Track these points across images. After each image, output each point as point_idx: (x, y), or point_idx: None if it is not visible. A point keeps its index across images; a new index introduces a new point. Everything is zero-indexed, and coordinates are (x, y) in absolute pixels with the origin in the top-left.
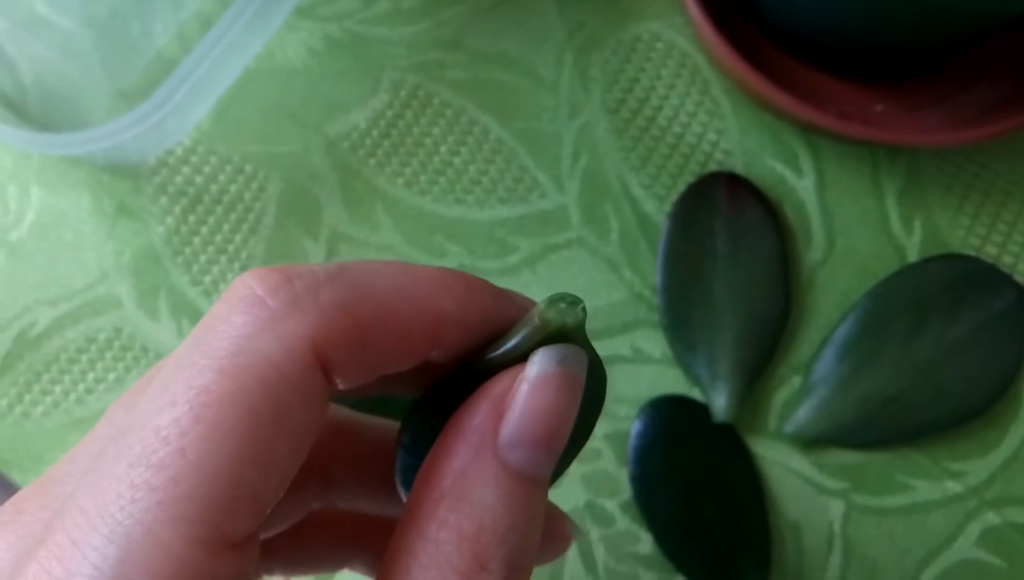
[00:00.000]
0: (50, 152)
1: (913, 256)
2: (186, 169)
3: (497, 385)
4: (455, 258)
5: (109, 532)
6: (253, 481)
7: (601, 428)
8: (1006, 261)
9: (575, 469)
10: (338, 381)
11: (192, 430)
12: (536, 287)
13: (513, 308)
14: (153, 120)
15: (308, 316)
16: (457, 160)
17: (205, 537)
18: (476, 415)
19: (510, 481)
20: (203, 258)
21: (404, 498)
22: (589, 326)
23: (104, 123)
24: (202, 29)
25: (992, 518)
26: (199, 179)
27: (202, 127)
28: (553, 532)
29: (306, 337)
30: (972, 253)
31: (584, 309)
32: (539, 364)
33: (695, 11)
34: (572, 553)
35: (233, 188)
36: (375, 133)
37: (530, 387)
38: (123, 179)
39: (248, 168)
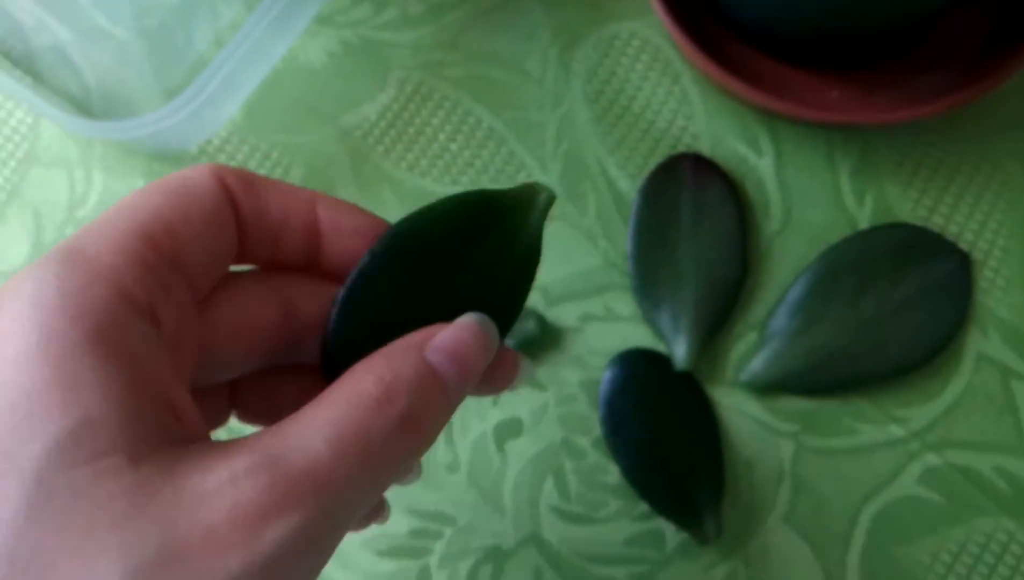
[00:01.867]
0: (104, 136)
1: (864, 225)
2: (222, 156)
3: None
4: None
5: None
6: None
7: (576, 376)
8: (952, 230)
9: (553, 410)
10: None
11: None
12: None
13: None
14: (190, 109)
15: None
16: (454, 146)
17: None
18: (421, 333)
19: (427, 368)
20: None
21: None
22: (568, 289)
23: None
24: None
25: (932, 459)
26: (233, 165)
27: (235, 120)
28: (505, 362)
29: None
30: (920, 224)
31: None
32: (471, 316)
33: (662, 13)
34: (548, 482)
35: (261, 172)
36: (383, 124)
37: (459, 325)
38: (170, 165)
39: (275, 155)
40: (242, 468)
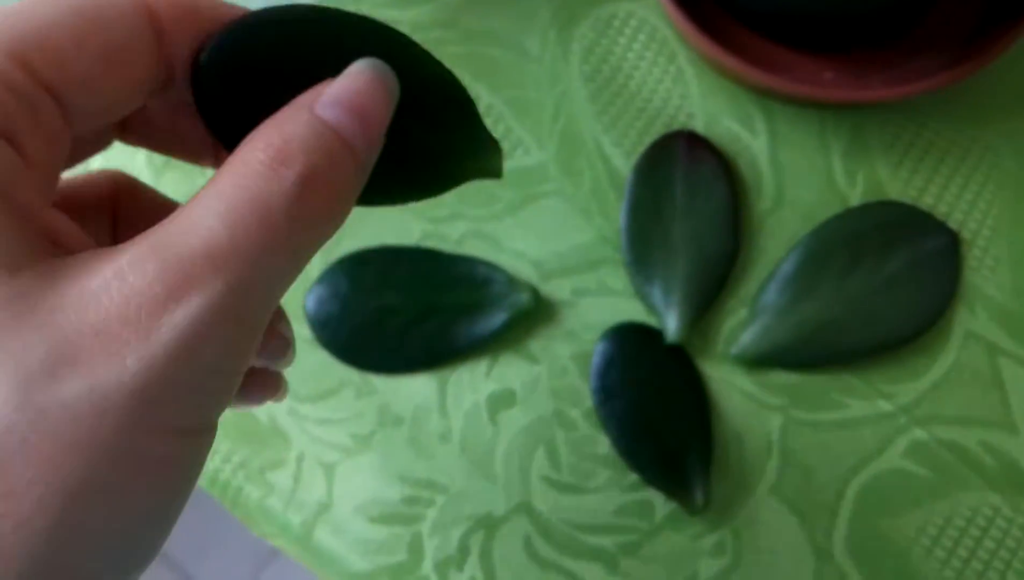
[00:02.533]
0: None
1: (855, 204)
2: None
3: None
4: (449, 206)
5: None
6: None
7: (568, 349)
8: (942, 209)
9: (546, 382)
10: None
11: None
12: (517, 230)
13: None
14: None
15: None
16: None
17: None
18: (308, 93)
19: (321, 124)
20: None
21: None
22: (561, 263)
23: None
24: None
25: (919, 434)
26: None
27: None
28: (266, 381)
29: None
30: (910, 202)
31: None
32: (361, 63)
33: None
34: (540, 452)
35: None
36: None
37: (350, 73)
38: None
39: None
40: (127, 261)
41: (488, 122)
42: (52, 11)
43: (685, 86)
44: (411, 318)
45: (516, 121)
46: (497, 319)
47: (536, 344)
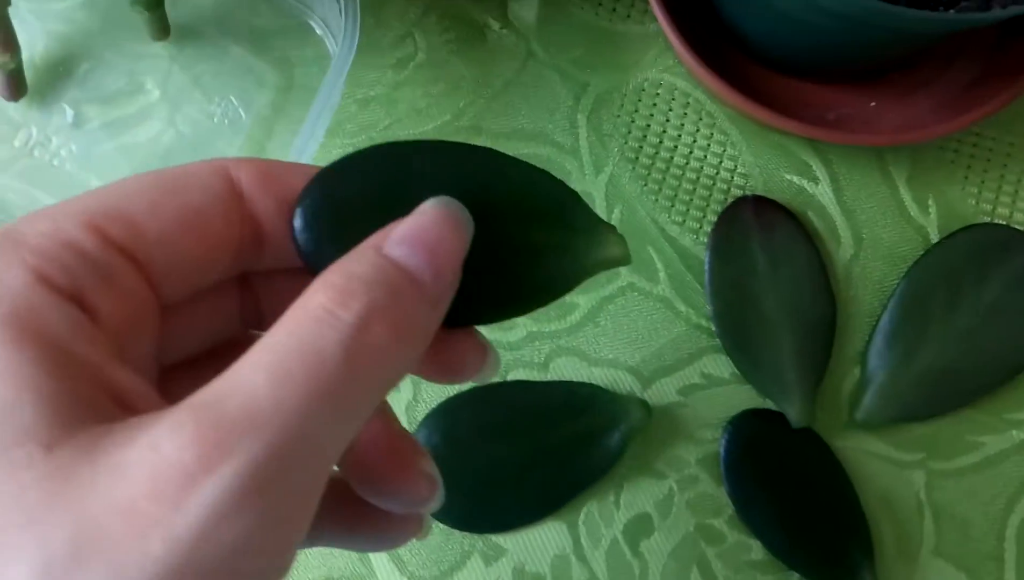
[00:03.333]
0: None
1: (934, 233)
2: None
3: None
4: (524, 328)
5: None
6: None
7: (692, 454)
8: (1018, 219)
9: (679, 496)
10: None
11: None
12: (603, 338)
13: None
14: None
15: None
16: None
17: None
18: (378, 234)
19: (386, 262)
20: None
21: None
22: (659, 364)
23: None
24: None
25: None
26: None
27: None
28: (468, 348)
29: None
30: (986, 219)
31: None
32: (429, 202)
33: (685, 56)
34: (693, 574)
35: None
36: None
37: (418, 212)
38: None
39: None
40: (165, 427)
41: None
42: (133, 183)
43: (732, 147)
44: (523, 464)
45: None
46: (612, 442)
47: (658, 457)
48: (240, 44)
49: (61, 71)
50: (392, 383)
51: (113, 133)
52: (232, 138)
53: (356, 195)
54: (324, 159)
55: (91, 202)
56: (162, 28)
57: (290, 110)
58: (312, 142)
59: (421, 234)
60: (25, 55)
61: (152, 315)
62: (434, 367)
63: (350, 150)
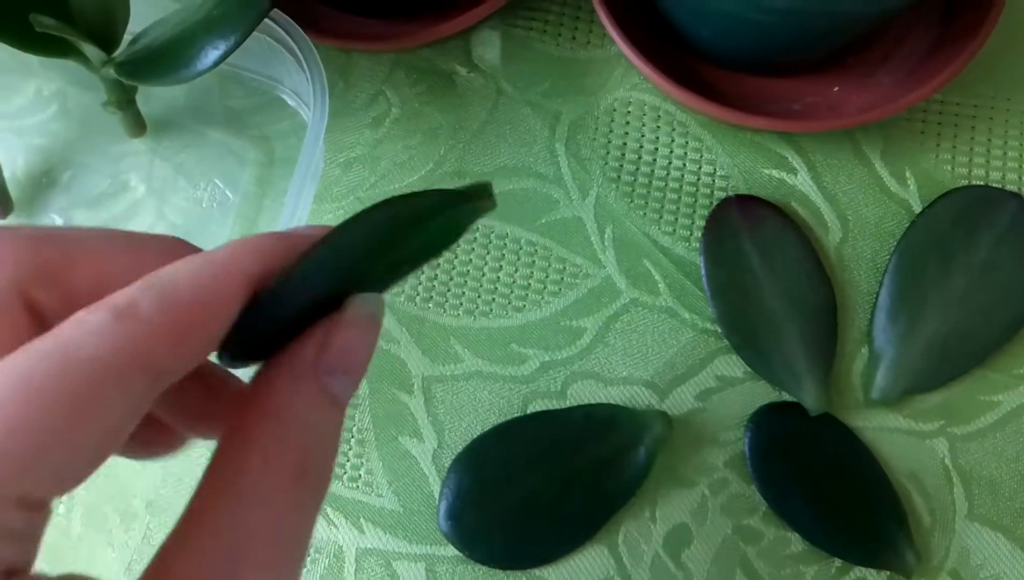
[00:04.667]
0: None
1: (916, 204)
2: None
3: (319, 327)
4: (536, 359)
5: None
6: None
7: (719, 458)
8: (995, 178)
9: (712, 502)
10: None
11: None
12: (614, 357)
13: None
14: None
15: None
16: (503, 275)
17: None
18: (303, 348)
19: (328, 405)
20: None
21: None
22: (673, 373)
23: None
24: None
25: None
26: None
27: None
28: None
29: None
30: (964, 182)
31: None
32: (358, 307)
33: (648, 71)
34: (738, 576)
35: None
36: (424, 279)
37: (347, 326)
38: None
39: None
40: None
41: (536, 260)
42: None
43: (709, 151)
44: (555, 494)
45: (564, 248)
46: (639, 458)
47: (686, 466)
48: (217, 128)
49: (45, 182)
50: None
51: None
52: (222, 220)
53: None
54: (316, 223)
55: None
56: (138, 125)
57: (275, 183)
58: (300, 211)
59: (355, 357)
60: (7, 172)
61: None
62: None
63: (341, 213)
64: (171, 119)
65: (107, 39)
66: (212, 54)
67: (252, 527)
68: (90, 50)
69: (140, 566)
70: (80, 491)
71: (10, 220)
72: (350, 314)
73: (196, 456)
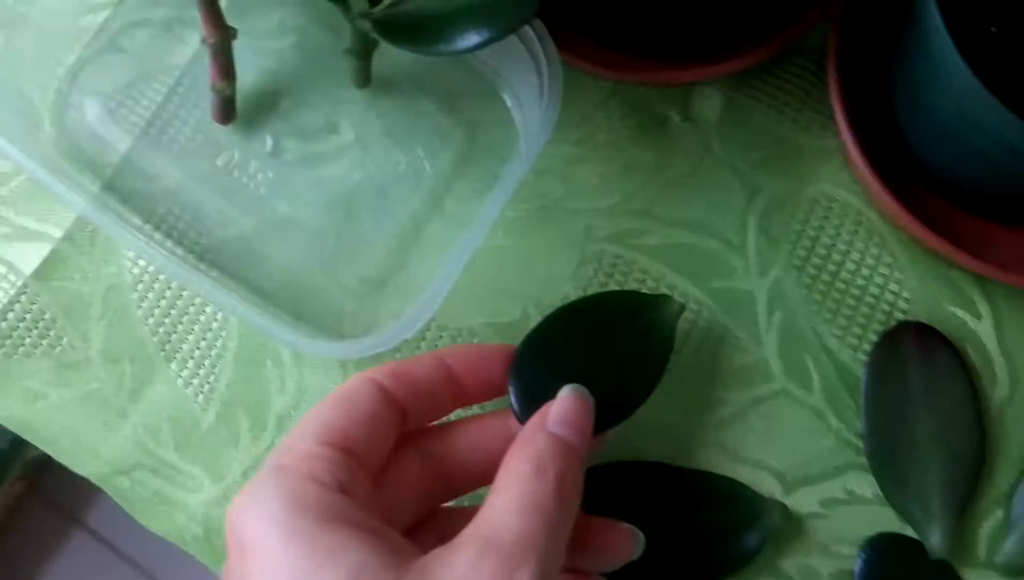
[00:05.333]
0: (352, 356)
1: None
2: (424, 344)
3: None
4: (672, 414)
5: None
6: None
7: (825, 567)
8: None
9: None
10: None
11: None
12: (750, 437)
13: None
14: (419, 326)
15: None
16: None
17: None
18: (538, 415)
19: (555, 439)
20: None
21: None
22: (804, 472)
23: (349, 310)
24: (416, 226)
25: None
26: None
27: None
28: (617, 536)
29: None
30: None
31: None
32: (568, 388)
33: (865, 174)
34: None
35: None
36: (564, 305)
37: (561, 398)
38: (369, 361)
39: (475, 340)
40: (474, 555)
41: (699, 320)
42: (331, 409)
43: (900, 271)
44: (659, 546)
45: (729, 316)
46: (750, 540)
47: (791, 564)
48: (431, 100)
49: (266, 103)
50: (575, 517)
51: (307, 166)
52: (414, 187)
53: (539, 373)
54: (500, 221)
55: (319, 429)
56: (365, 76)
57: (470, 169)
58: (493, 208)
59: (569, 415)
60: (237, 85)
61: (373, 489)
62: (590, 554)
63: (523, 216)
64: (393, 80)
65: None
66: (473, 39)
67: (524, 525)
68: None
69: (254, 473)
70: (221, 387)
71: (227, 128)
72: (560, 394)
73: (323, 392)
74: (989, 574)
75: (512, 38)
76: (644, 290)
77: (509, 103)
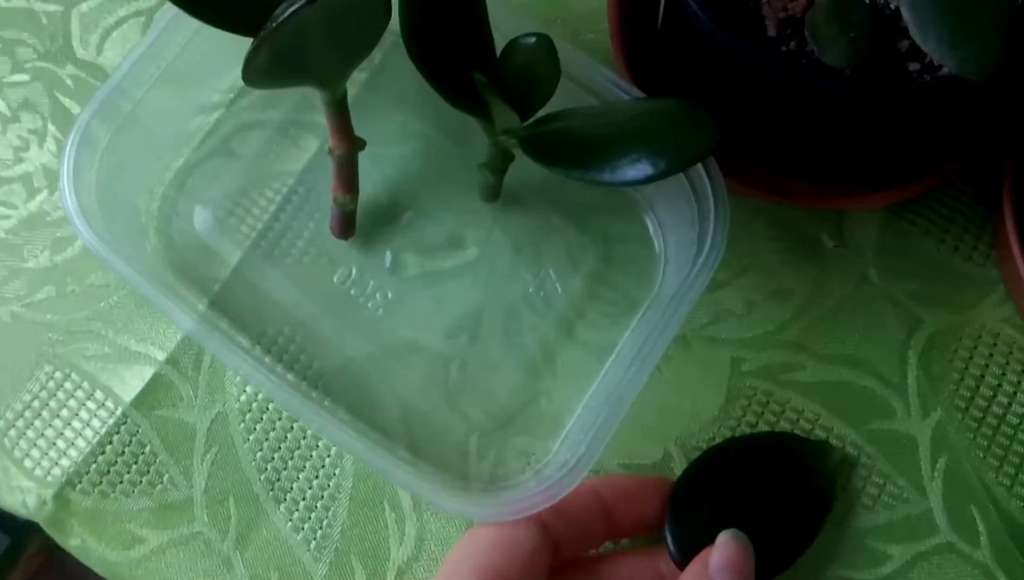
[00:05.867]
0: (490, 518)
1: None
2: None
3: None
4: (830, 570)
5: None
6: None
7: None
8: None
9: None
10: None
11: None
12: None
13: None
14: (571, 486)
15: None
16: None
17: None
18: (698, 562)
19: None
20: None
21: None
22: None
23: (473, 448)
24: (547, 354)
25: None
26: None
27: None
28: None
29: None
30: None
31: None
32: (724, 535)
33: None
34: None
35: None
36: (719, 442)
37: (721, 544)
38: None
39: None
40: None
41: (858, 466)
42: (491, 547)
43: None
44: None
45: (889, 462)
46: None
47: None
48: (562, 216)
49: (386, 216)
50: None
51: (428, 284)
52: (545, 311)
53: (698, 515)
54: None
55: (476, 565)
56: (495, 192)
57: (603, 293)
58: (655, 347)
59: (730, 562)
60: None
61: None
62: None
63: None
64: (520, 194)
65: (522, 110)
66: (644, 170)
67: None
68: (502, 115)
69: None
70: (335, 533)
71: (345, 242)
72: (719, 540)
73: (446, 541)
74: None
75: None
76: (797, 431)
77: (649, 223)
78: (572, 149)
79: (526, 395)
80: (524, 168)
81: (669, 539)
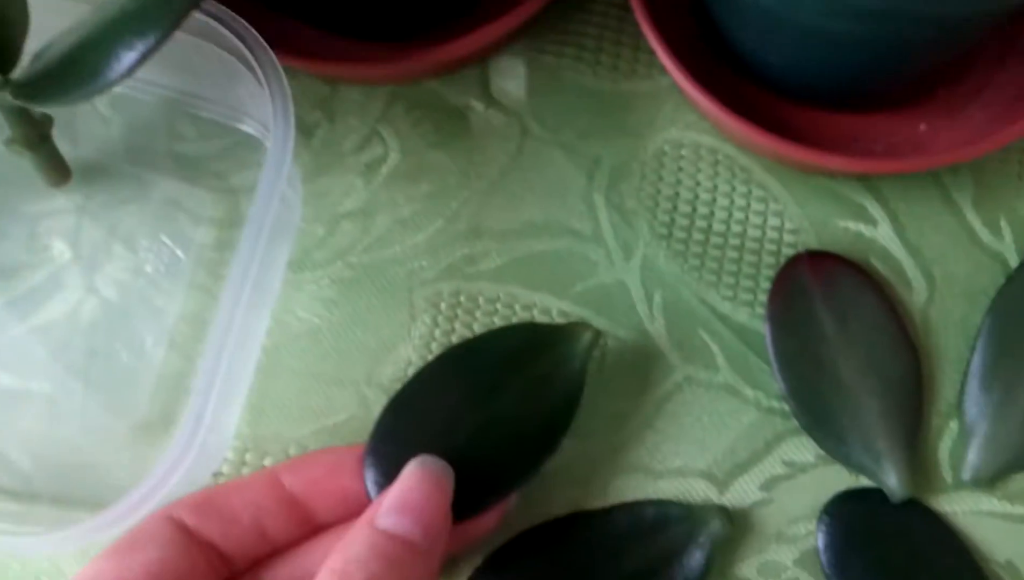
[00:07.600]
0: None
1: (1012, 257)
2: (246, 471)
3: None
4: (569, 451)
5: None
6: None
7: (787, 555)
8: None
9: None
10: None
11: None
12: (665, 445)
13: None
14: (187, 463)
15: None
16: None
17: None
18: (373, 506)
19: (379, 536)
20: None
21: None
22: (733, 461)
23: (129, 479)
24: (194, 330)
25: None
26: None
27: (241, 432)
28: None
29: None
30: None
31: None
32: (410, 464)
33: (707, 105)
34: None
35: None
36: (431, 359)
37: (402, 477)
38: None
39: (311, 448)
40: None
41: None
42: (114, 561)
43: (775, 201)
44: None
45: (605, 318)
46: (693, 561)
47: (749, 567)
48: (164, 175)
49: None
50: None
51: (21, 314)
52: (171, 289)
53: (403, 447)
54: (296, 297)
55: None
56: (58, 170)
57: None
58: (264, 278)
59: (409, 500)
60: None
61: None
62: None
63: (325, 283)
64: (105, 165)
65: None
66: (126, 57)
67: None
68: None
69: None
70: None
71: None
72: (403, 471)
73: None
74: (962, 495)
75: (220, 56)
76: (498, 322)
77: (262, 137)
78: (65, 72)
79: (179, 385)
80: (93, 132)
81: (368, 485)
